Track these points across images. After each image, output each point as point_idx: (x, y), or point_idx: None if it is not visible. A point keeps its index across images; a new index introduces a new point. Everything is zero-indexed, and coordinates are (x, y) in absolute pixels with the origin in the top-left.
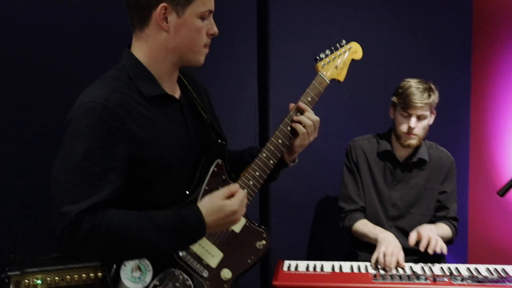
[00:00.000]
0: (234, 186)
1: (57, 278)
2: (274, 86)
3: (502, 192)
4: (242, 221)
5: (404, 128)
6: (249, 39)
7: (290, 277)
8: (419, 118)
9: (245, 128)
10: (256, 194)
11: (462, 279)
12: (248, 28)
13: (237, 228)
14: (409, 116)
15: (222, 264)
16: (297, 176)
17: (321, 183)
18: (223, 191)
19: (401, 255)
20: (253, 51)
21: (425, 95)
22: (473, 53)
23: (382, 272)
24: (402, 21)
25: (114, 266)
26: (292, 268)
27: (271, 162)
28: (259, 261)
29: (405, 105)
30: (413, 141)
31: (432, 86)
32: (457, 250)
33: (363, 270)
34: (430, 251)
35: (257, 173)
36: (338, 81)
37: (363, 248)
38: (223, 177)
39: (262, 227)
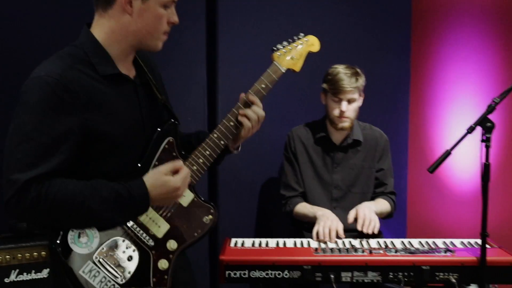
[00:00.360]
0: (178, 162)
1: (8, 256)
2: (222, 72)
3: (432, 169)
4: (190, 196)
5: (336, 112)
6: (198, 23)
7: (236, 252)
8: (349, 101)
9: (194, 113)
10: (206, 172)
11: (396, 251)
12: (197, 12)
13: (184, 202)
14: (340, 100)
15: (168, 235)
16: (245, 156)
17: (268, 163)
18: (167, 166)
19: (340, 227)
20: (202, 37)
21: (353, 79)
22: (412, 41)
23: (323, 246)
24: (344, 12)
25: (61, 232)
26: (239, 245)
27: (222, 142)
28: (206, 235)
29: (335, 90)
30: (346, 124)
31: (358, 70)
32: (397, 228)
33: (305, 245)
34: (365, 230)
35: (207, 152)
36: (294, 71)
37: (308, 229)
38: (173, 153)
39: (211, 203)
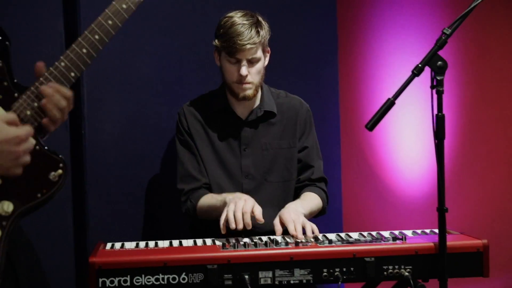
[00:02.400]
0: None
1: None
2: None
3: (371, 125)
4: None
5: (233, 76)
6: None
7: (113, 253)
8: (251, 62)
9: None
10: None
11: (330, 242)
12: None
13: None
14: (238, 61)
15: (1, 195)
16: (118, 149)
17: (148, 156)
18: (8, 115)
19: (257, 210)
20: None
21: (253, 32)
22: (338, 12)
23: (232, 241)
24: None
25: None
26: (117, 247)
27: (72, 74)
28: (53, 196)
29: (231, 49)
30: (249, 92)
31: (260, 18)
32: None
33: (209, 243)
34: (300, 236)
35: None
36: None
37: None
38: (5, 83)
39: (60, 155)
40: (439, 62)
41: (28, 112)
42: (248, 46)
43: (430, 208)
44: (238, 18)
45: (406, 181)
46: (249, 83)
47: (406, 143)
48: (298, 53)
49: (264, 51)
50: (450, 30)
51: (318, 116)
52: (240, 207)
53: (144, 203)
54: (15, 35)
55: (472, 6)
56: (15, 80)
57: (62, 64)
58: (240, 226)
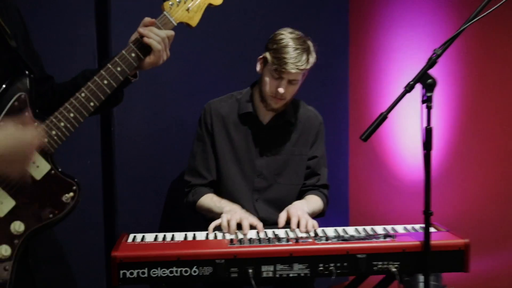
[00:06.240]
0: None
1: None
2: (115, 32)
3: (365, 136)
4: (46, 167)
5: (271, 90)
6: None
7: (133, 247)
8: (291, 82)
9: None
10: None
11: (327, 239)
12: None
13: (38, 174)
14: (280, 78)
15: (13, 215)
16: (145, 144)
17: (173, 151)
18: (18, 119)
19: (251, 219)
20: None
21: (303, 58)
22: (350, 12)
23: (240, 236)
24: None
25: None
26: (138, 240)
27: (92, 104)
28: (66, 217)
29: (279, 67)
30: (279, 106)
31: (310, 44)
32: (338, 219)
33: (219, 237)
34: (303, 229)
35: (71, 115)
36: (189, 25)
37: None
38: (26, 113)
39: (74, 178)
40: (429, 80)
41: (53, 132)
42: (295, 71)
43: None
44: (292, 40)
45: (408, 167)
46: (283, 99)
47: (408, 133)
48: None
49: (304, 75)
50: (440, 50)
51: (327, 110)
52: (235, 218)
53: (166, 196)
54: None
55: (462, 28)
56: (37, 111)
57: (83, 94)
58: (231, 234)
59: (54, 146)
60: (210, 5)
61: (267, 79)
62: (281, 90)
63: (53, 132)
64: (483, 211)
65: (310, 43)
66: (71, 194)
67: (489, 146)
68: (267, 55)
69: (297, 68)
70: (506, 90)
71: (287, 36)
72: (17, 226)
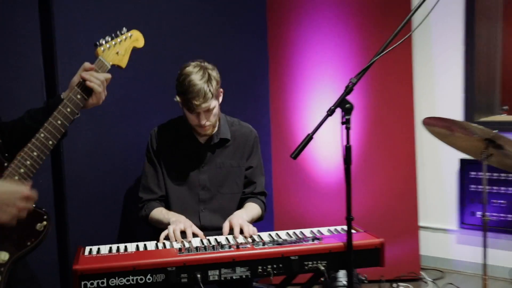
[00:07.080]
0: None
1: None
2: (62, 80)
3: (295, 155)
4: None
5: (194, 122)
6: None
7: (91, 260)
8: (208, 111)
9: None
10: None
11: (264, 244)
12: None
13: None
14: (196, 113)
15: None
16: (91, 163)
17: (128, 164)
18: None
19: (193, 228)
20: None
21: (207, 90)
22: (268, 26)
23: (187, 245)
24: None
25: None
26: (94, 252)
27: (50, 143)
28: (40, 243)
29: (190, 108)
30: (208, 132)
31: (210, 71)
32: (263, 222)
33: (168, 246)
34: (246, 234)
35: (35, 153)
36: (120, 67)
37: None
38: None
39: (43, 209)
40: (347, 105)
41: (22, 170)
42: (204, 106)
43: (342, 191)
44: (193, 74)
45: (323, 171)
46: (208, 127)
47: (322, 141)
48: (232, 75)
49: (217, 97)
50: (356, 80)
51: (251, 123)
52: (179, 228)
53: (116, 209)
54: None
55: (372, 61)
56: (6, 154)
57: (42, 135)
58: (177, 243)
59: (30, 176)
60: (134, 47)
61: (187, 113)
62: (202, 122)
63: (22, 170)
64: (387, 206)
65: (208, 66)
66: (44, 223)
67: (390, 152)
68: (177, 97)
69: (204, 102)
70: (399, 110)
71: (187, 72)
72: (3, 256)
